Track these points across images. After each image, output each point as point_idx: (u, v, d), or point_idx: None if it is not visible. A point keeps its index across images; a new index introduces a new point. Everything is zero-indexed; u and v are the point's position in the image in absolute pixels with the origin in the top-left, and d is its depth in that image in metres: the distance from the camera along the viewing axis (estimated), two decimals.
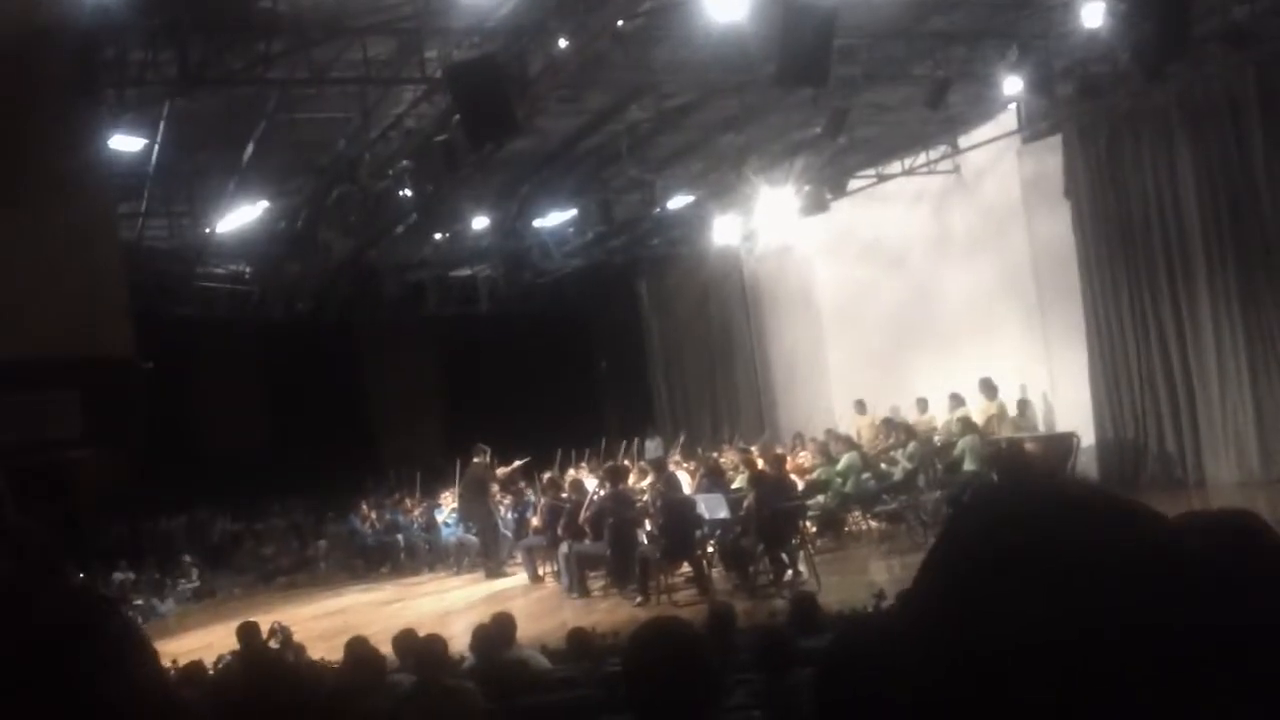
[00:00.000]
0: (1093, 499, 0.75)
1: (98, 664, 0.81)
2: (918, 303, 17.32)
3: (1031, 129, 15.59)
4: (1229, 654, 0.68)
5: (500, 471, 16.73)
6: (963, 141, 16.59)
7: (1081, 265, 15.15)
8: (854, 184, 17.70)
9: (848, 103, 13.55)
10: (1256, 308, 13.38)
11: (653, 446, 19.06)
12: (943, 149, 16.90)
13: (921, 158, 17.12)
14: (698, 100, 13.72)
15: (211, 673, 8.55)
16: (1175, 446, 14.36)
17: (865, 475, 14.23)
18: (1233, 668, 0.68)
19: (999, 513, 0.77)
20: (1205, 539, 0.77)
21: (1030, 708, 0.68)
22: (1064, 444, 14.35)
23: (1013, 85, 13.16)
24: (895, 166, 17.48)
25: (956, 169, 17.08)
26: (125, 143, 12.33)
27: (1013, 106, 15.14)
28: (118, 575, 16.53)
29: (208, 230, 16.29)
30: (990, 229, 16.45)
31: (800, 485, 13.79)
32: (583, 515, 13.48)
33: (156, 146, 12.90)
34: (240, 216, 15.83)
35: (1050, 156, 15.46)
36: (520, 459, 17.07)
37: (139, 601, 15.81)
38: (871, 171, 17.72)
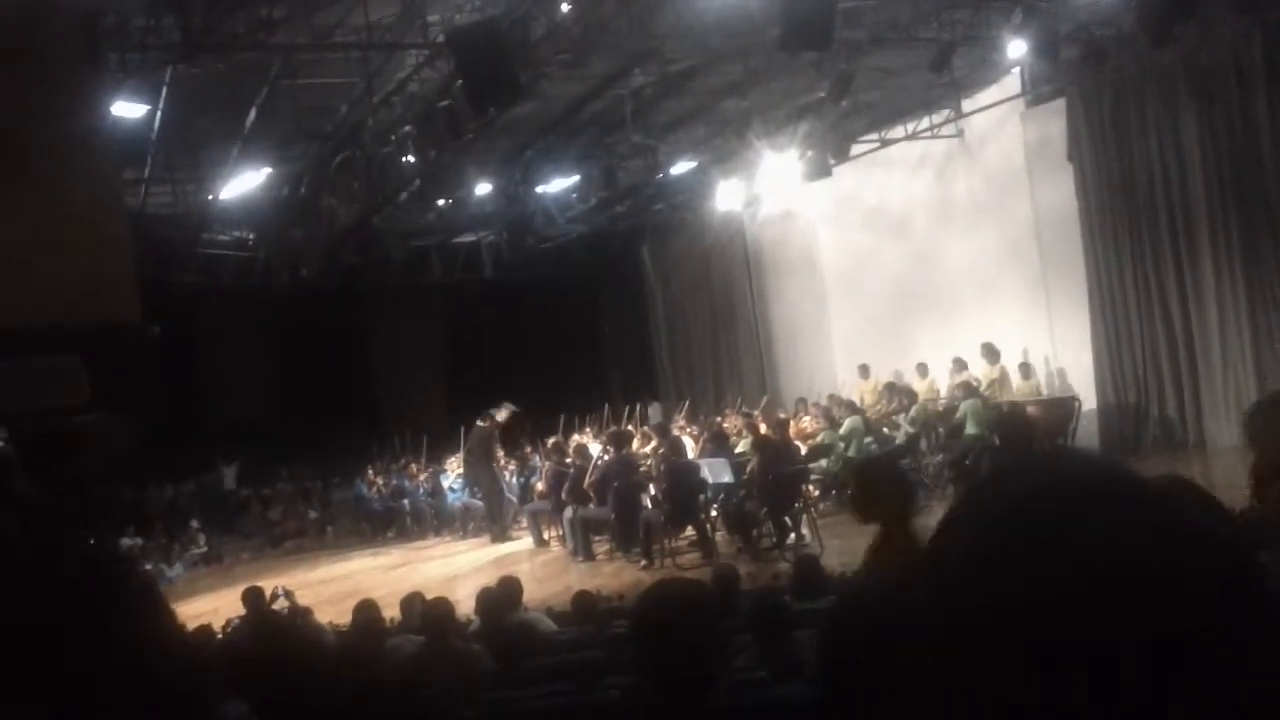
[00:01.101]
0: (1104, 472, 0.77)
1: (117, 622, 0.82)
2: (920, 267, 17.31)
3: (1035, 93, 15.55)
4: (1227, 619, 0.69)
5: (503, 419, 16.37)
6: (966, 105, 16.54)
7: (1084, 230, 15.14)
8: (857, 149, 17.65)
9: (852, 67, 13.49)
10: (1259, 271, 13.39)
11: (654, 412, 19.11)
12: (946, 113, 16.85)
13: (925, 122, 17.07)
14: (701, 65, 13.67)
15: (220, 636, 8.66)
16: (1176, 410, 14.41)
17: (868, 439, 14.27)
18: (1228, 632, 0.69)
19: (1014, 487, 0.78)
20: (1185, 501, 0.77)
21: (1036, 680, 0.69)
22: (1065, 408, 14.40)
23: (1017, 49, 13.12)
24: (898, 131, 17.43)
25: (960, 133, 17.03)
26: (128, 109, 12.31)
27: (1017, 70, 15.10)
28: (126, 541, 16.65)
29: (211, 197, 16.29)
30: (993, 193, 16.43)
31: (803, 449, 13.85)
32: (587, 480, 13.56)
33: (159, 113, 12.88)
34: (244, 183, 15.82)
35: (1054, 121, 15.42)
36: (511, 409, 16.67)
37: (148, 566, 15.93)
38: (875, 136, 17.67)
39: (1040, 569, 0.70)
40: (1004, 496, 0.77)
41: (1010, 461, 0.82)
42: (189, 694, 0.88)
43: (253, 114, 13.62)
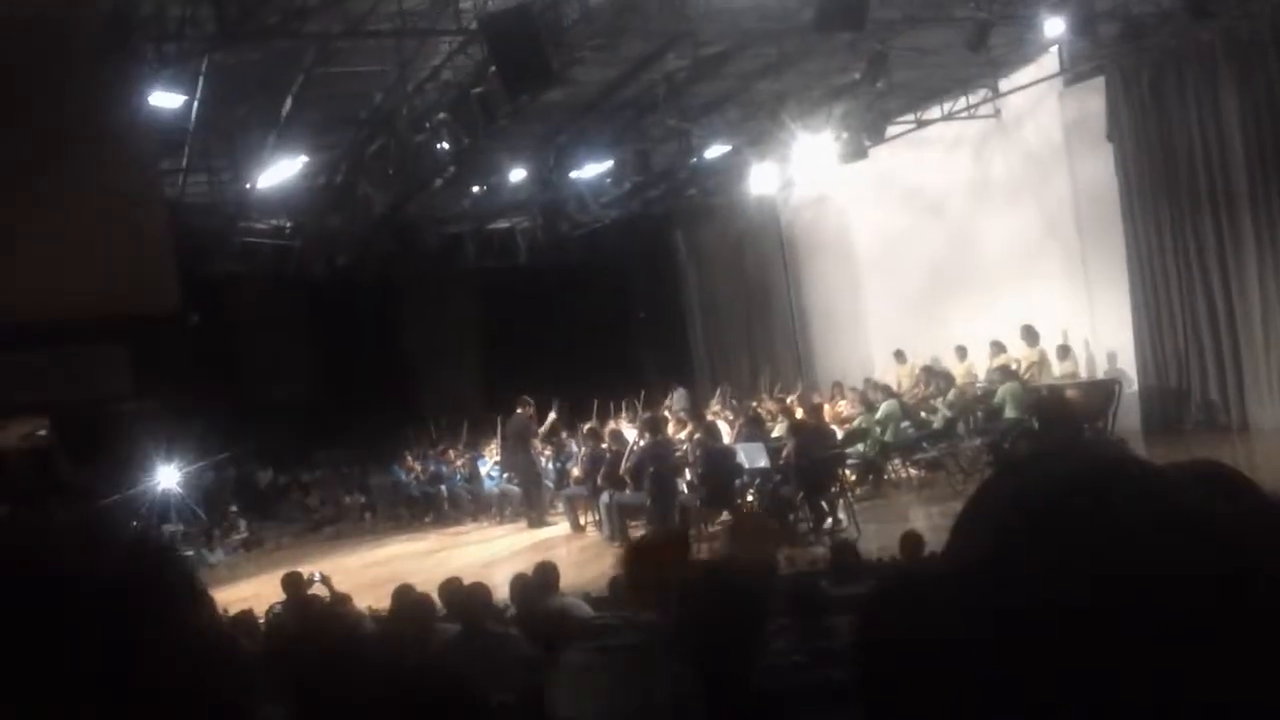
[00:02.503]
0: (1128, 464, 0.77)
1: (158, 611, 0.83)
2: (957, 250, 17.19)
3: (1074, 71, 15.38)
4: (1248, 607, 0.69)
5: (540, 430, 16.86)
6: (1003, 85, 16.39)
7: (1124, 209, 14.97)
8: (893, 130, 17.53)
9: (887, 47, 13.40)
10: None
11: (679, 399, 19.08)
12: (983, 93, 16.70)
13: (961, 102, 16.93)
14: (735, 47, 13.60)
15: (261, 622, 8.76)
16: (1219, 392, 14.24)
17: (904, 423, 14.22)
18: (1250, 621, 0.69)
19: (1040, 475, 0.78)
20: (1205, 490, 0.77)
21: (1062, 666, 0.69)
22: (1105, 390, 14.26)
23: (1054, 26, 12.97)
24: (935, 111, 17.29)
25: (997, 113, 16.88)
26: (165, 99, 12.39)
27: (1054, 48, 14.92)
28: (167, 527, 16.85)
29: (248, 186, 16.40)
30: (1031, 173, 16.28)
31: (839, 434, 13.81)
32: (623, 465, 13.58)
33: (196, 102, 12.97)
34: (280, 171, 15.91)
35: (1092, 99, 15.25)
36: (551, 414, 17.14)
37: (189, 552, 16.12)
38: (911, 117, 17.54)
39: (1050, 560, 0.71)
40: (1020, 486, 0.78)
41: (1027, 454, 0.83)
42: (229, 687, 0.88)
43: (288, 102, 13.69)
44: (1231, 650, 0.68)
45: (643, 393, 18.60)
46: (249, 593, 12.21)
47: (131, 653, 0.80)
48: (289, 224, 19.59)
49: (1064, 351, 15.27)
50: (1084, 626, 0.69)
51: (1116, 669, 0.68)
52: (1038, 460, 0.81)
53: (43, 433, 12.96)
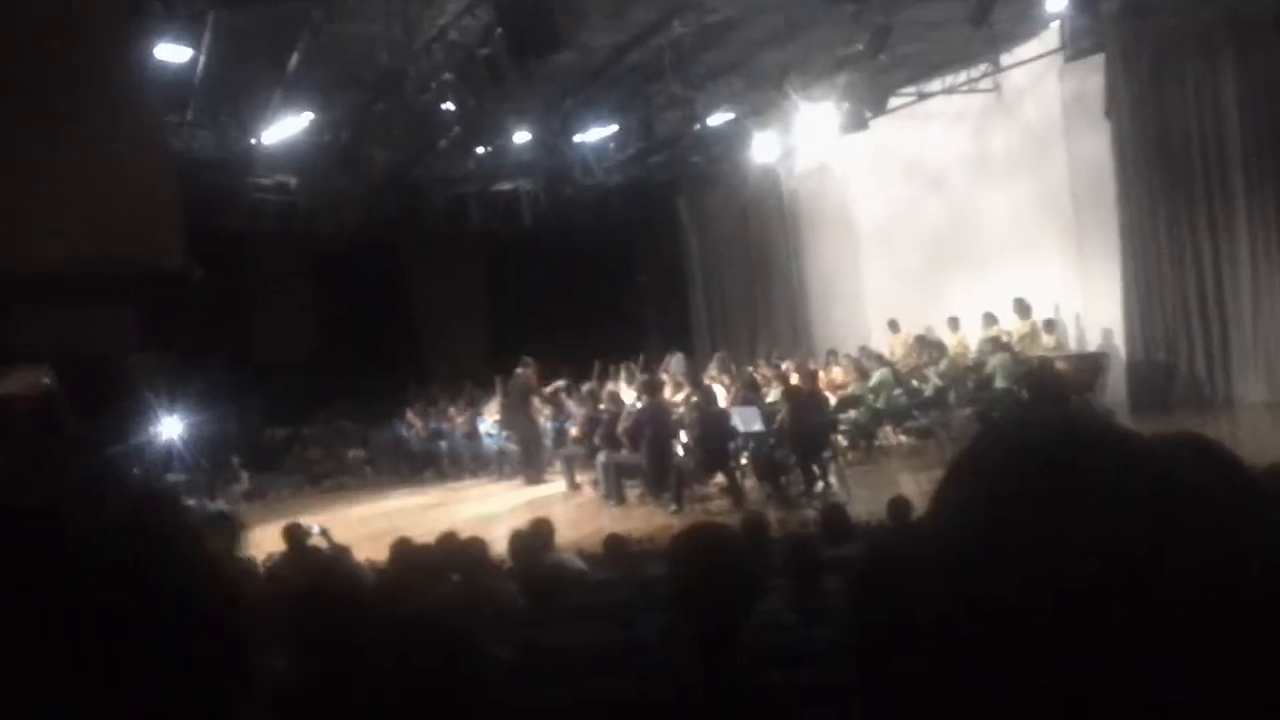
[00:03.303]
0: (1109, 429, 0.79)
1: (161, 557, 0.84)
2: (955, 222, 17.34)
3: (1074, 47, 15.45)
4: (1232, 578, 0.70)
5: (542, 391, 17.04)
6: (1004, 60, 16.47)
7: (1119, 186, 15.11)
8: (894, 102, 17.63)
9: (891, 19, 13.49)
10: None
11: (676, 363, 19.27)
12: (984, 67, 16.79)
13: (962, 76, 17.02)
14: (740, 16, 13.69)
15: (261, 570, 8.96)
16: (1205, 367, 14.45)
17: (897, 391, 14.40)
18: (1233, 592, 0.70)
19: (1021, 440, 0.79)
20: (1187, 460, 0.78)
21: (1048, 630, 0.70)
22: (1094, 363, 14.49)
23: (1056, 2, 13.07)
24: (936, 85, 17.38)
25: (997, 88, 16.98)
26: (171, 53, 12.43)
27: (1055, 24, 15.01)
28: (170, 477, 17.05)
29: (254, 141, 16.49)
30: (1030, 149, 16.40)
31: (833, 400, 14.02)
32: (621, 426, 13.79)
33: (202, 57, 13.04)
34: (286, 128, 16.00)
35: (1092, 76, 15.34)
36: (559, 381, 17.33)
37: (191, 502, 16.32)
38: (912, 90, 17.63)
39: (1029, 522, 0.72)
40: (1003, 451, 0.79)
41: (1011, 419, 0.88)
42: (227, 635, 0.88)
43: (294, 60, 13.75)
44: (1210, 613, 0.69)
45: (641, 356, 18.78)
46: (249, 542, 12.39)
47: (126, 599, 0.81)
48: (295, 181, 19.68)
49: (1050, 325, 15.49)
50: (1066, 591, 0.70)
51: (1098, 632, 0.69)
52: (1020, 426, 0.83)
53: (47, 381, 13.13)
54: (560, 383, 17.29)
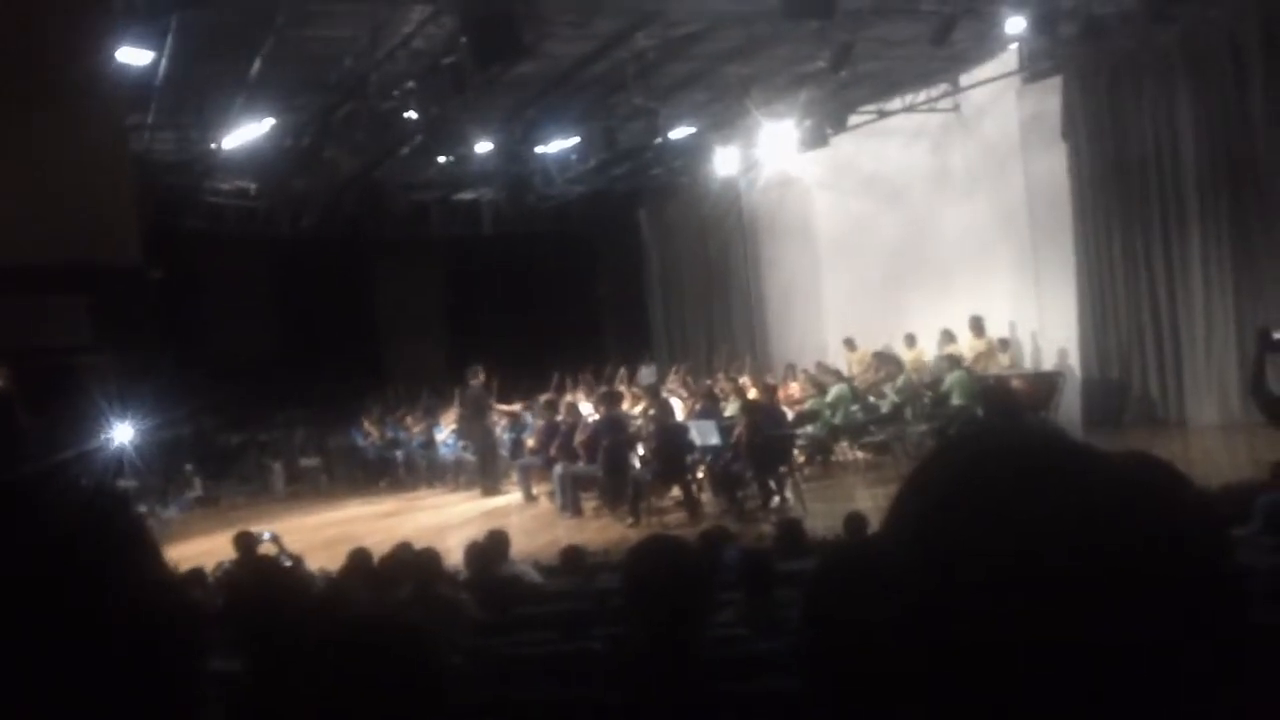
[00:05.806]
0: (1061, 443, 0.80)
1: (107, 561, 0.83)
2: (914, 239, 17.48)
3: (1032, 69, 15.65)
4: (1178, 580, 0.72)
5: (501, 407, 16.96)
6: (963, 80, 16.65)
7: (1075, 207, 15.33)
8: (854, 120, 17.76)
9: (853, 37, 13.60)
10: (1247, 253, 13.54)
11: (647, 374, 19.30)
12: (943, 87, 16.96)
13: (922, 95, 17.18)
14: (704, 30, 13.74)
15: (211, 579, 8.87)
16: (1158, 387, 14.64)
17: (854, 407, 14.48)
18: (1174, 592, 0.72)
19: (979, 451, 0.80)
20: (1134, 475, 0.80)
21: (998, 637, 0.71)
22: (1049, 382, 14.64)
23: (1016, 24, 13.22)
24: (896, 103, 17.52)
25: (956, 107, 17.15)
26: (133, 55, 12.32)
27: (1014, 46, 15.19)
28: (121, 482, 16.83)
29: (214, 145, 16.36)
30: (987, 168, 16.57)
31: (790, 415, 14.07)
32: (578, 437, 13.77)
33: (164, 59, 12.92)
34: (247, 132, 15.88)
35: (1049, 97, 15.55)
36: (519, 403, 17.20)
37: (143, 508, 16.12)
38: (873, 107, 17.77)
39: (982, 533, 0.73)
40: (957, 463, 0.80)
41: (967, 432, 0.91)
42: (178, 639, 0.87)
43: (257, 63, 13.67)
44: (1156, 617, 0.71)
45: (605, 367, 18.78)
46: (201, 550, 12.28)
47: (74, 603, 0.80)
48: (254, 185, 19.54)
49: (1004, 344, 15.67)
50: (1016, 594, 0.71)
51: (1045, 633, 0.70)
52: (974, 440, 0.84)
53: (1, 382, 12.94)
54: (517, 406, 17.17)
